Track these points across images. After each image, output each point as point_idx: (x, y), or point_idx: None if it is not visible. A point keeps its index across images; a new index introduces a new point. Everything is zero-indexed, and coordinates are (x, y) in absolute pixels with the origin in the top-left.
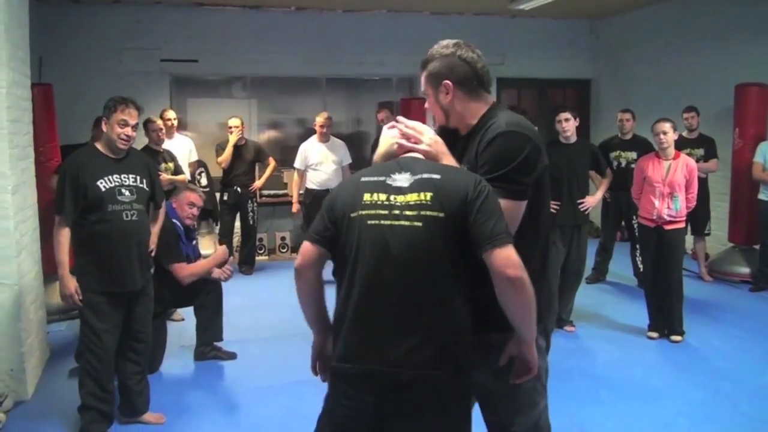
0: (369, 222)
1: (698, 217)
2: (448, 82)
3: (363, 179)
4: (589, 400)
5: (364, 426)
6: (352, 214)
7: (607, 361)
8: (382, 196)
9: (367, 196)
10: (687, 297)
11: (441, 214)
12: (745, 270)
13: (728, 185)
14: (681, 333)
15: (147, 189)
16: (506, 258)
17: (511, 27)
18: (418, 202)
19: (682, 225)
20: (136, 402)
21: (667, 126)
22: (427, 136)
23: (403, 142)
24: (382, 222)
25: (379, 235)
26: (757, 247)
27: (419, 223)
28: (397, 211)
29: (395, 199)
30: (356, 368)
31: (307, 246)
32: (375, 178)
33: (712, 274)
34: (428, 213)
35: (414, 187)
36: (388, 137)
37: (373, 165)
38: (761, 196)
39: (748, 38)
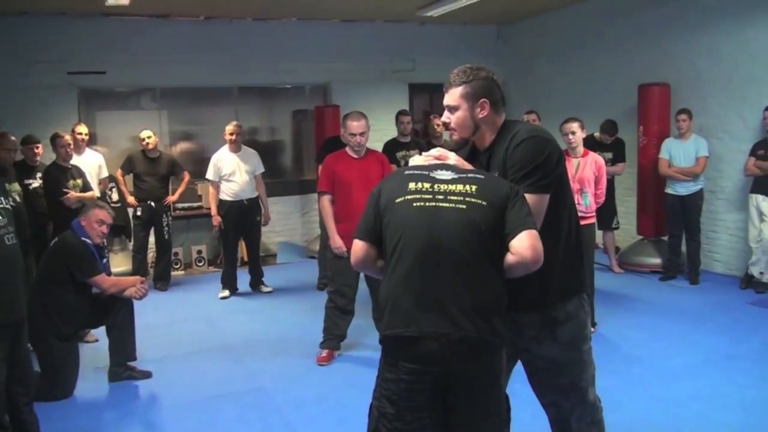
0: (414, 204)
1: (605, 212)
2: (486, 100)
3: (407, 172)
4: None
5: (426, 390)
6: (397, 200)
7: None
8: (427, 185)
9: (412, 185)
10: (598, 289)
11: (483, 203)
12: (655, 260)
13: (635, 181)
14: (593, 324)
15: (11, 210)
16: (531, 239)
17: (420, 33)
18: (463, 191)
19: (593, 220)
20: (31, 431)
21: (575, 125)
22: (452, 157)
23: (433, 160)
24: (427, 204)
25: (424, 214)
26: (665, 238)
27: (463, 206)
28: (441, 196)
29: (439, 187)
30: (411, 332)
31: (356, 244)
32: (419, 172)
33: (622, 265)
34: (472, 200)
35: (458, 180)
36: (421, 158)
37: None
38: (668, 190)
39: (650, 40)
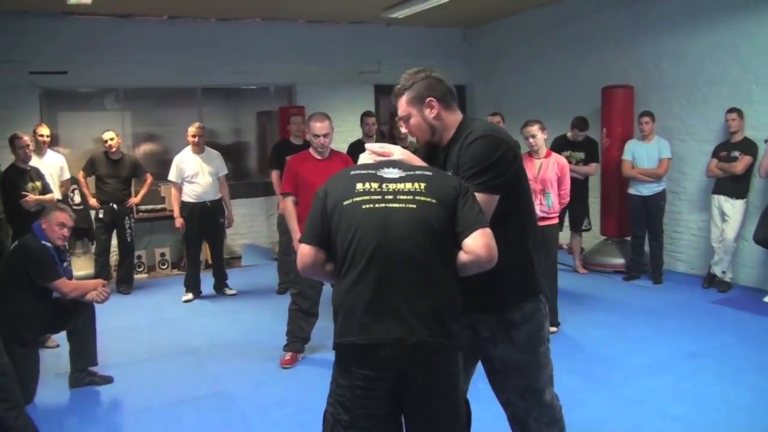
0: (363, 206)
1: (576, 214)
2: (432, 98)
3: (353, 173)
4: None
5: (381, 397)
6: (345, 202)
7: None
8: (375, 185)
9: (359, 186)
10: (562, 289)
11: (433, 201)
12: (618, 261)
13: (599, 182)
14: (556, 324)
15: None
16: (485, 237)
17: (386, 35)
18: (412, 190)
19: (556, 221)
20: None
21: (535, 129)
22: (397, 151)
23: (378, 157)
24: (377, 205)
25: (375, 216)
26: (628, 238)
27: (413, 206)
28: (390, 196)
29: (387, 186)
30: (364, 340)
31: (303, 248)
32: (365, 171)
33: (586, 266)
34: (421, 198)
35: (406, 178)
36: (365, 155)
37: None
38: (631, 191)
39: (613, 43)
